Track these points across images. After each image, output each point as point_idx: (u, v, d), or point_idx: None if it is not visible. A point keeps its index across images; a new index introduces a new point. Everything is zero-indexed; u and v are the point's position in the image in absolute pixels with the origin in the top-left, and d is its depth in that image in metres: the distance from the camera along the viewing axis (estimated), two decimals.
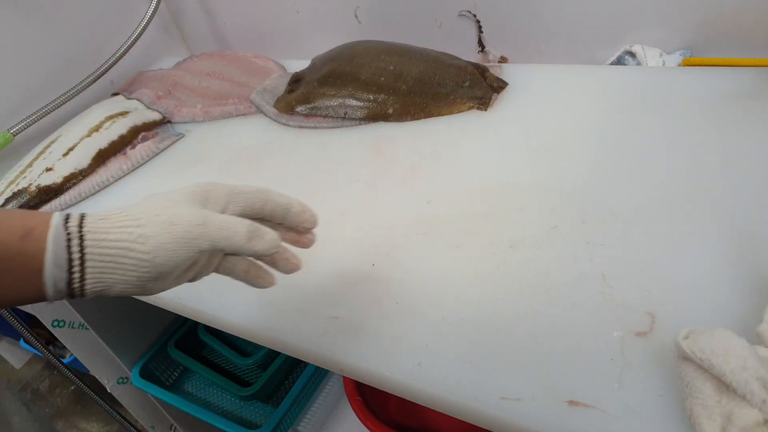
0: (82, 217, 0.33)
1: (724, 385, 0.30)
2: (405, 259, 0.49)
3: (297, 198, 0.39)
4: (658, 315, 0.38)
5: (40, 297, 0.32)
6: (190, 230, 0.33)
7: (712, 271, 0.40)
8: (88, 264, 0.31)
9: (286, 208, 0.38)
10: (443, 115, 0.68)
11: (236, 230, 0.34)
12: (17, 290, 0.31)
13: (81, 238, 0.31)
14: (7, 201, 0.70)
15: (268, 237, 0.35)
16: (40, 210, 0.70)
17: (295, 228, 0.40)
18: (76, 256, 0.31)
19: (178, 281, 0.35)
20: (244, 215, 0.36)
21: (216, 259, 0.37)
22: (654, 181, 0.49)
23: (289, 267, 0.39)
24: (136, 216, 0.34)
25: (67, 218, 0.32)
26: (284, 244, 0.39)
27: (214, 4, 1.02)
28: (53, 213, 0.33)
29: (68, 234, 0.31)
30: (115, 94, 0.91)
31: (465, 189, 0.55)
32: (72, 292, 0.32)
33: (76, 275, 0.31)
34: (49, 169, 0.72)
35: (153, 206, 0.35)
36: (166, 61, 1.07)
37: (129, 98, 0.87)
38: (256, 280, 0.39)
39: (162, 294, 0.53)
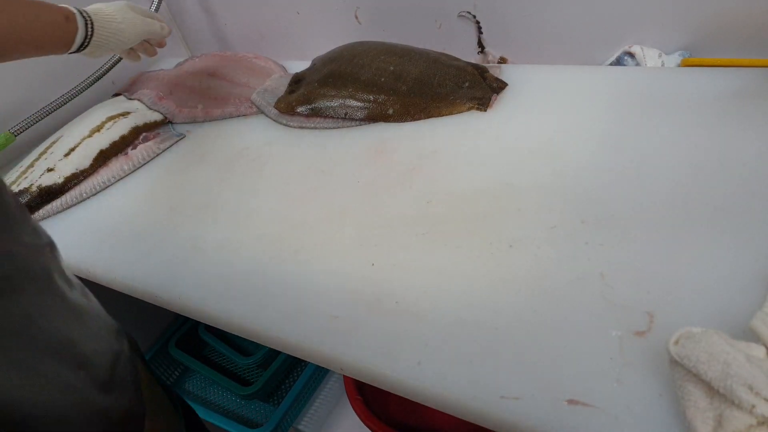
0: (87, 11, 0.63)
1: (715, 389, 0.30)
2: (404, 259, 0.49)
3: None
4: (656, 314, 0.38)
5: (64, 52, 0.62)
6: (142, 21, 0.69)
7: (711, 270, 0.41)
8: (95, 34, 0.64)
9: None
10: (443, 115, 0.68)
11: (159, 24, 0.72)
12: (56, 49, 0.61)
13: (92, 22, 0.63)
14: None
15: (167, 29, 0.73)
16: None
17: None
18: (89, 31, 0.63)
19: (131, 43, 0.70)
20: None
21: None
22: (653, 182, 0.50)
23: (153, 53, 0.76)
24: (114, 14, 0.66)
25: (80, 12, 0.63)
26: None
27: (215, 4, 1.02)
28: (71, 7, 0.61)
29: (85, 20, 0.62)
30: (117, 94, 0.91)
31: (464, 189, 0.55)
32: (82, 48, 0.63)
33: (87, 40, 0.63)
34: (50, 170, 0.72)
35: (120, 11, 0.67)
36: (166, 61, 1.08)
37: (130, 99, 0.87)
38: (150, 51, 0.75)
39: (162, 294, 0.54)
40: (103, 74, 0.88)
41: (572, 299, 0.41)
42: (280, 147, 0.71)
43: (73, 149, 0.74)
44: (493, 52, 0.81)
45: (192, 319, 0.52)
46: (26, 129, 0.81)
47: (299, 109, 0.74)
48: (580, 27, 0.72)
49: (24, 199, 0.70)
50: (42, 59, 0.61)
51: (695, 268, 0.41)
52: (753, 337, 0.33)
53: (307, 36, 0.97)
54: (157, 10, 0.93)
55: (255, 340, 0.48)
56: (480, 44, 0.80)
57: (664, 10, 0.66)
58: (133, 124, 0.79)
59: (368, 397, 0.80)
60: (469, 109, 0.67)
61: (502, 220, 0.50)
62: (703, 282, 0.40)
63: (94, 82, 0.87)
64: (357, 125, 0.71)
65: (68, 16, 0.60)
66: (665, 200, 0.47)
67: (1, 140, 0.79)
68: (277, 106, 0.77)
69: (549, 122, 0.61)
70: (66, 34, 0.60)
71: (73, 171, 0.72)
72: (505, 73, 0.72)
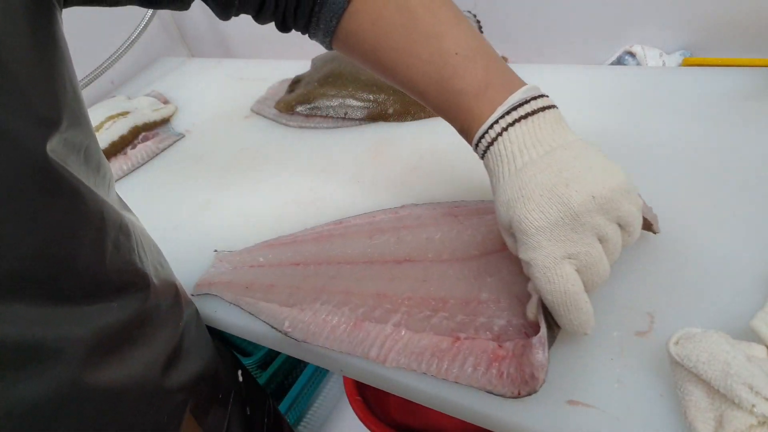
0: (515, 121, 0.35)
1: (715, 389, 0.30)
2: None
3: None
4: (657, 315, 0.38)
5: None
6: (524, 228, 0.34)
7: (712, 270, 0.40)
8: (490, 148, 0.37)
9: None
10: None
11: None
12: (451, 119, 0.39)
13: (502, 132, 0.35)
14: None
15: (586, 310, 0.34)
16: None
17: None
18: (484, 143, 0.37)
19: None
20: None
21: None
22: (653, 181, 0.49)
23: None
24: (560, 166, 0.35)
25: (513, 119, 0.35)
26: None
27: None
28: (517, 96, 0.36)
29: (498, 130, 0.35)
30: None
31: (464, 189, 0.55)
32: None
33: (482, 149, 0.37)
34: None
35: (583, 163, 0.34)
36: (166, 61, 1.08)
37: (130, 98, 0.87)
38: None
39: None
40: (102, 73, 0.88)
41: None
42: (280, 147, 0.71)
43: None
44: None
45: None
46: None
47: (299, 109, 0.74)
48: (581, 26, 0.72)
49: None
50: None
51: (696, 268, 0.41)
52: (753, 337, 0.33)
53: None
54: (155, 10, 0.92)
55: (254, 341, 0.48)
56: None
57: (665, 10, 0.66)
58: (133, 124, 0.79)
59: (368, 397, 0.80)
60: None
61: None
62: (703, 282, 0.40)
63: (93, 81, 0.87)
64: (357, 125, 0.71)
65: (485, 88, 0.36)
66: (666, 199, 0.47)
67: None
68: (276, 105, 0.77)
69: None
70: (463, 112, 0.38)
71: None
72: None
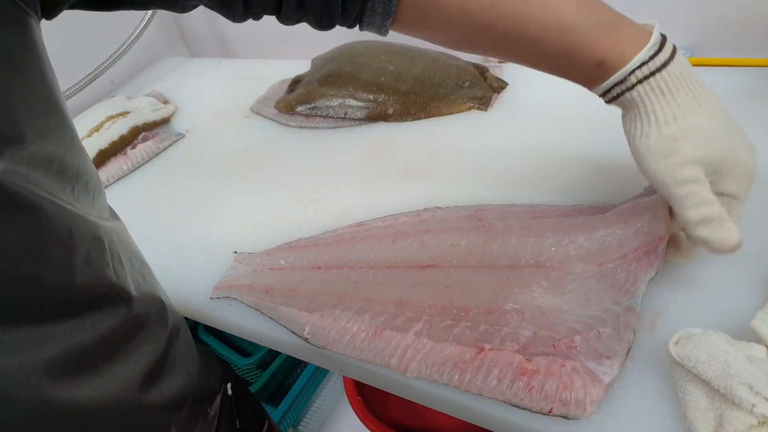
0: (659, 68, 0.35)
1: (715, 389, 0.30)
2: None
3: None
4: (657, 315, 0.38)
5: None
6: (677, 172, 0.34)
7: (715, 269, 0.40)
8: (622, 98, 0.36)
9: None
10: (443, 115, 0.68)
11: (694, 205, 0.34)
12: (571, 77, 0.39)
13: (631, 87, 0.35)
14: None
15: (723, 230, 0.34)
16: None
17: None
18: (614, 94, 0.37)
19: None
20: None
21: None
22: None
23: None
24: (690, 127, 0.35)
25: (655, 68, 0.35)
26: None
27: None
28: (647, 45, 0.35)
29: (628, 83, 0.35)
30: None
31: (465, 189, 0.55)
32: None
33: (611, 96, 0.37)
34: None
35: (704, 128, 0.35)
36: (166, 61, 1.08)
37: (130, 98, 0.87)
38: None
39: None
40: (102, 73, 0.88)
41: None
42: (280, 147, 0.71)
43: None
44: None
45: (191, 320, 0.52)
46: None
47: (299, 109, 0.74)
48: None
49: None
50: None
51: (699, 267, 0.41)
52: (753, 337, 0.33)
53: (307, 36, 0.96)
54: (155, 10, 0.92)
55: (254, 341, 0.48)
56: None
57: (665, 10, 0.66)
58: (132, 124, 0.79)
59: (368, 397, 0.80)
60: (470, 108, 0.67)
61: None
62: (707, 281, 0.40)
63: (92, 81, 0.87)
64: (357, 125, 0.71)
65: (602, 62, 0.36)
66: None
67: None
68: (276, 105, 0.77)
69: (549, 122, 0.61)
70: (583, 76, 0.38)
71: None
72: (506, 72, 0.72)
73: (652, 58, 0.35)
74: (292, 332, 0.44)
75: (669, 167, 0.34)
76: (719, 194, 0.36)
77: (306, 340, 0.43)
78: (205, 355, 0.46)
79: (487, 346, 0.37)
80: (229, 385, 0.47)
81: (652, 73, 0.35)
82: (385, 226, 0.50)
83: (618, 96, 0.37)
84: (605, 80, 0.36)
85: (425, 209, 0.52)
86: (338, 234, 0.51)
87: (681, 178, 0.34)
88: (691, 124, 0.34)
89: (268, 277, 0.49)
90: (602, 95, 0.38)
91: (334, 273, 0.47)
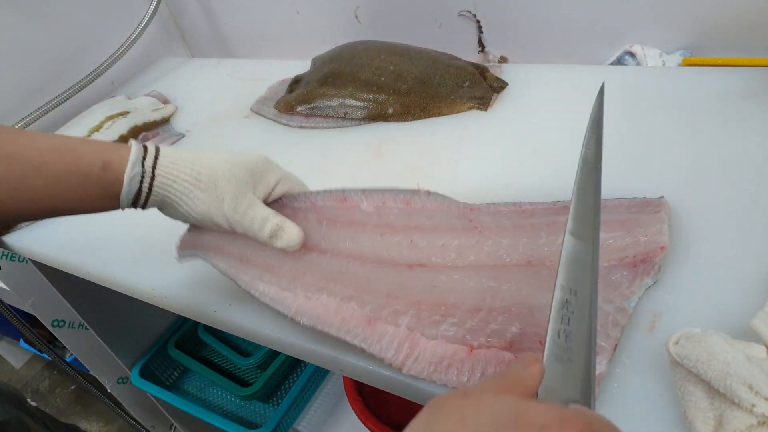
0: (156, 156, 0.41)
1: (715, 389, 0.30)
2: None
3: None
4: (657, 315, 0.38)
5: (114, 209, 0.42)
6: (232, 215, 0.42)
7: (714, 269, 0.40)
8: (153, 193, 0.41)
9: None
10: (443, 115, 0.68)
11: (261, 229, 0.42)
12: (98, 205, 0.41)
13: (152, 178, 0.41)
14: None
15: (286, 237, 0.43)
16: None
17: None
18: (145, 190, 0.41)
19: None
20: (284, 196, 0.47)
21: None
22: (654, 181, 0.49)
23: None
24: (198, 175, 0.42)
25: (144, 155, 0.41)
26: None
27: (214, 4, 1.02)
28: (132, 146, 0.41)
29: (143, 172, 0.40)
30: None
31: (465, 189, 0.55)
32: (136, 207, 0.42)
33: (142, 200, 0.41)
34: None
35: (216, 172, 0.42)
36: (166, 61, 1.08)
37: (130, 98, 0.87)
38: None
39: (162, 293, 0.54)
40: (102, 73, 0.88)
41: None
42: (280, 147, 0.71)
43: None
44: (494, 51, 0.81)
45: (191, 320, 0.52)
46: (24, 128, 0.81)
47: (299, 109, 0.74)
48: (580, 26, 0.72)
49: None
50: (41, 57, 0.58)
51: (699, 267, 0.41)
52: (753, 337, 0.33)
53: (307, 36, 0.97)
54: (155, 10, 0.93)
55: (254, 341, 0.48)
56: (480, 43, 0.80)
57: (665, 10, 0.66)
58: (133, 124, 0.79)
59: (368, 397, 0.80)
60: (470, 108, 0.67)
61: None
62: (706, 281, 0.40)
63: (92, 81, 0.87)
64: (357, 125, 0.71)
65: (107, 164, 0.40)
66: (666, 199, 0.47)
67: None
68: (276, 105, 0.77)
69: (549, 122, 0.61)
70: (104, 188, 0.40)
71: None
72: (506, 72, 0.72)
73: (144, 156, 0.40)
74: (279, 312, 0.42)
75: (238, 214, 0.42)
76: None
77: (293, 319, 0.41)
78: None
79: (475, 343, 0.37)
80: None
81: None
82: (371, 211, 0.46)
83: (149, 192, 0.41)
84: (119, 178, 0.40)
85: (415, 191, 0.47)
86: (317, 207, 0.47)
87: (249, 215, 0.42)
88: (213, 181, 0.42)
89: (241, 242, 0.45)
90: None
91: (315, 256, 0.45)
